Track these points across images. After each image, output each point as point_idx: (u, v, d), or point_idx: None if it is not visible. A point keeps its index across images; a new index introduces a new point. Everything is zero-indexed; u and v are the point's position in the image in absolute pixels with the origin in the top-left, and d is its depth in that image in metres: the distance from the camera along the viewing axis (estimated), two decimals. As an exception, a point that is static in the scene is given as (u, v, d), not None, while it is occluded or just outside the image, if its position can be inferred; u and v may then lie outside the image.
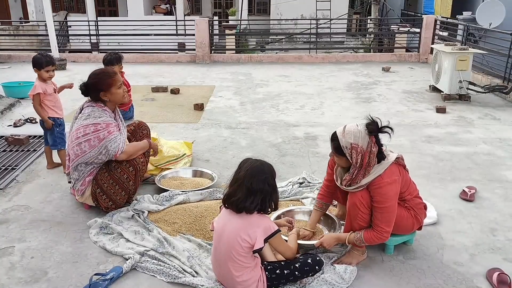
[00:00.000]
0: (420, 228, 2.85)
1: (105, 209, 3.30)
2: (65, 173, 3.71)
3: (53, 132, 4.06)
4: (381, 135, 2.52)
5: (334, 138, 2.55)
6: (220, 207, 2.47)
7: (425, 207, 2.83)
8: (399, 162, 2.60)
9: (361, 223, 2.60)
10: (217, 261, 2.43)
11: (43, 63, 3.97)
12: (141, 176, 3.39)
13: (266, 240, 2.33)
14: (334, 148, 2.58)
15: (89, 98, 3.29)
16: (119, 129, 3.27)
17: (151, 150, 3.53)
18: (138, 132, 3.73)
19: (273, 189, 2.37)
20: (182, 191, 3.59)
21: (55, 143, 4.09)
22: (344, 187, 2.65)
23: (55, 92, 4.11)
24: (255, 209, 2.31)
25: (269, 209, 2.38)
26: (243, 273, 2.33)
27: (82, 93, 3.27)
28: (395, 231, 2.66)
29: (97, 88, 3.22)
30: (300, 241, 2.75)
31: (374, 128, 2.47)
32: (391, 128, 2.48)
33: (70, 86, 4.32)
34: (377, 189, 2.50)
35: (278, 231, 2.37)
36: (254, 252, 2.32)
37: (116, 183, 3.22)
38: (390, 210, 2.51)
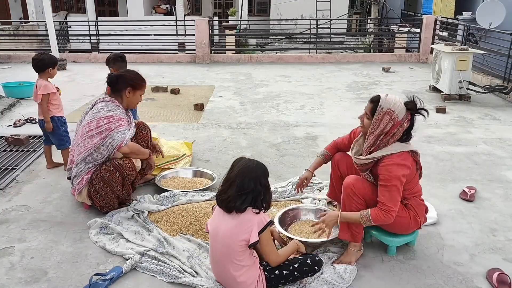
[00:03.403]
0: (418, 228, 2.85)
1: (100, 208, 3.30)
2: (65, 170, 3.70)
3: (59, 131, 4.04)
4: (417, 117, 2.64)
5: (376, 99, 2.58)
6: (212, 208, 2.44)
7: (427, 210, 2.82)
8: (414, 157, 2.64)
9: (358, 206, 2.63)
10: (215, 261, 2.42)
11: (56, 61, 4.03)
12: (130, 181, 3.33)
13: (259, 233, 2.28)
14: (370, 110, 2.60)
15: (109, 90, 3.33)
16: (129, 126, 3.32)
17: (147, 162, 3.51)
18: (138, 132, 3.73)
19: (265, 189, 2.34)
20: (183, 191, 3.60)
21: (62, 142, 4.07)
22: (357, 157, 2.68)
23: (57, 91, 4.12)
24: (246, 208, 2.29)
25: (262, 209, 2.34)
26: (242, 272, 2.32)
27: (109, 83, 3.31)
28: (389, 228, 2.70)
29: (128, 83, 3.31)
30: (305, 239, 2.79)
31: (412, 106, 2.58)
32: (426, 111, 2.60)
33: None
34: (385, 166, 2.53)
35: (270, 222, 2.34)
36: (250, 246, 2.28)
37: (107, 185, 3.21)
38: (395, 189, 2.51)
